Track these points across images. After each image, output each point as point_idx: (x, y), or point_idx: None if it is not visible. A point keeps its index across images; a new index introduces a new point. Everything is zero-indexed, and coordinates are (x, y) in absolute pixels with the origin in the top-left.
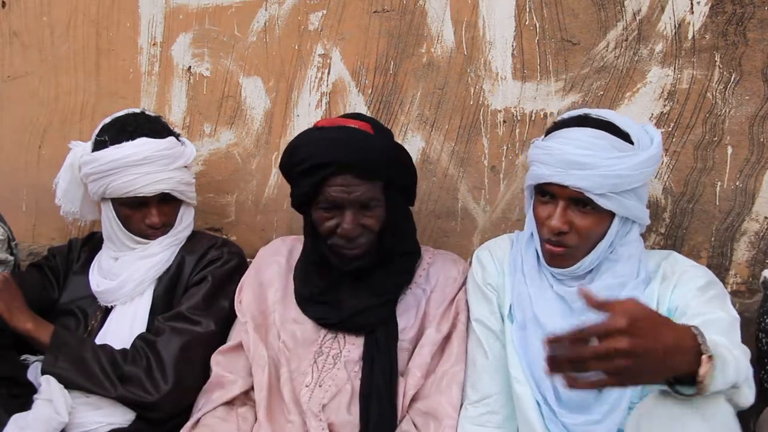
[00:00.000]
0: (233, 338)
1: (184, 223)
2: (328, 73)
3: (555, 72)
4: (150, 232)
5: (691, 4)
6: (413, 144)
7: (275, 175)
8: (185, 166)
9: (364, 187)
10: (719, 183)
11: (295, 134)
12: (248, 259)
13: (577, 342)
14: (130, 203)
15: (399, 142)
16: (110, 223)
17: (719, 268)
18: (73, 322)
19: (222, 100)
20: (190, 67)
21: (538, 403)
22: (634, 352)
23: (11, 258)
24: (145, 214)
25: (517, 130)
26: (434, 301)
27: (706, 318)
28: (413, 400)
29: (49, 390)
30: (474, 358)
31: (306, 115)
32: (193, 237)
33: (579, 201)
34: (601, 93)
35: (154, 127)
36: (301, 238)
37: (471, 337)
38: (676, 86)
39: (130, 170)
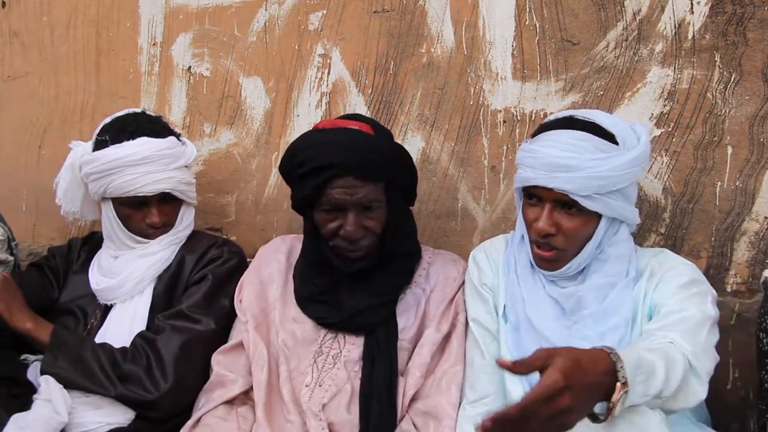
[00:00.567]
0: (234, 337)
1: (185, 222)
2: (328, 73)
3: (555, 72)
4: (150, 232)
5: (691, 4)
6: (413, 144)
7: (275, 175)
8: (186, 166)
9: (367, 189)
10: (719, 183)
11: (295, 134)
12: (248, 259)
13: (523, 419)
14: (131, 203)
15: (399, 142)
16: (110, 223)
17: (719, 268)
18: (72, 320)
19: (222, 100)
20: (190, 67)
21: None
22: (575, 405)
23: (11, 258)
24: (145, 213)
25: (517, 130)
26: (434, 301)
27: (679, 316)
28: (413, 399)
29: (49, 390)
30: (472, 358)
31: (306, 115)
32: (194, 236)
33: (565, 203)
34: (601, 93)
35: (155, 126)
36: (301, 237)
37: (469, 338)
38: (676, 86)
39: (131, 170)
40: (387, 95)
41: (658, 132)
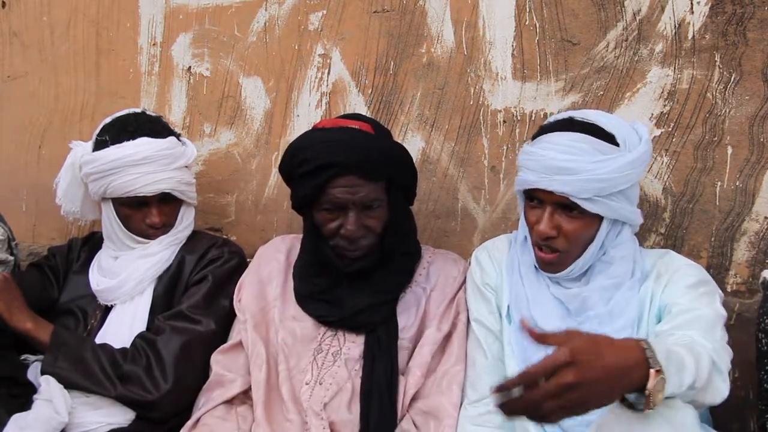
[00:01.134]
0: (233, 337)
1: (185, 222)
2: (328, 73)
3: (555, 72)
4: (150, 232)
5: (691, 4)
6: (413, 144)
7: (275, 175)
8: (186, 166)
9: (368, 188)
10: (719, 183)
11: (295, 134)
12: (248, 259)
13: (527, 385)
14: (131, 203)
15: (399, 142)
16: (110, 223)
17: (719, 268)
18: (72, 321)
19: (222, 100)
20: (190, 67)
21: None
22: (582, 382)
23: (11, 258)
24: (145, 213)
25: (517, 130)
26: (434, 300)
27: (692, 315)
28: (413, 399)
29: (49, 390)
30: (474, 358)
31: (306, 115)
32: (194, 237)
33: (566, 206)
34: (601, 93)
35: (155, 127)
36: (301, 236)
37: (470, 337)
38: (676, 86)
39: (131, 170)
40: (387, 95)
41: (658, 132)
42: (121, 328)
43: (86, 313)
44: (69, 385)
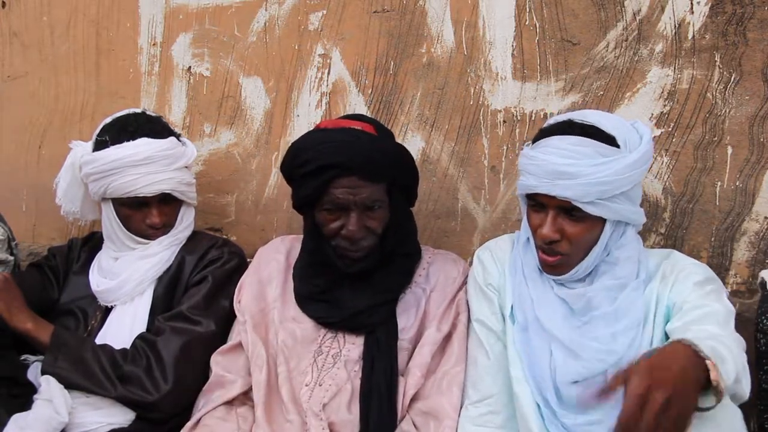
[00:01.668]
0: (233, 338)
1: (185, 223)
2: (328, 73)
3: (555, 72)
4: (150, 233)
5: (691, 4)
6: (413, 144)
7: (275, 175)
8: (186, 167)
9: (370, 189)
10: (719, 183)
11: (295, 134)
12: (248, 259)
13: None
14: (131, 203)
15: (399, 142)
16: (110, 223)
17: (719, 268)
18: (73, 322)
19: (222, 100)
20: (190, 67)
21: (537, 405)
22: (671, 396)
23: (11, 258)
24: (145, 214)
25: (517, 130)
26: (434, 301)
27: (704, 311)
28: (413, 400)
29: (49, 390)
30: (475, 358)
31: (306, 115)
32: (194, 237)
33: (568, 209)
34: (601, 93)
35: (155, 127)
36: (301, 237)
37: (472, 338)
38: (676, 86)
39: (131, 170)
40: (387, 95)
41: (658, 132)
42: (122, 329)
43: (86, 314)
44: (69, 385)
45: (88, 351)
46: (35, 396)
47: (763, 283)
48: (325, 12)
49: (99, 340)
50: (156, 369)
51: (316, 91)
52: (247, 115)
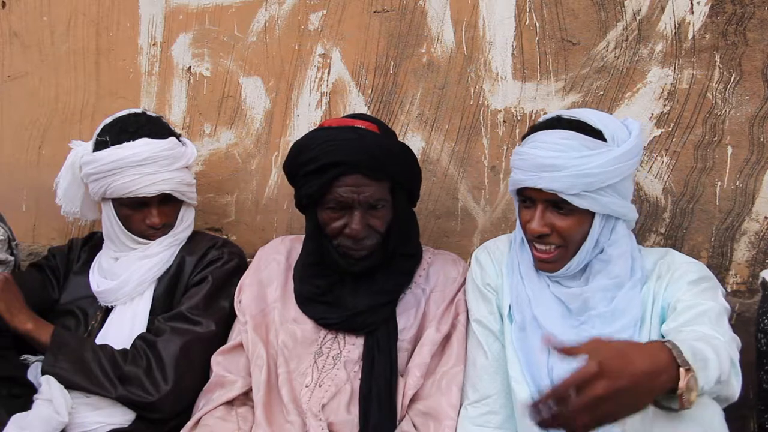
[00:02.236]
0: (233, 338)
1: (185, 223)
2: (328, 73)
3: (555, 72)
4: (150, 233)
5: (691, 4)
6: (413, 144)
7: (275, 175)
8: (186, 167)
9: (373, 187)
10: (719, 183)
11: (296, 134)
12: (248, 260)
13: (559, 399)
14: (131, 203)
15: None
16: (111, 223)
17: (719, 268)
18: (73, 322)
19: (222, 100)
20: (190, 67)
21: None
22: (612, 393)
23: (11, 258)
24: (145, 214)
25: (517, 130)
26: (434, 301)
27: (697, 310)
28: (413, 400)
29: (49, 390)
30: (474, 358)
31: (306, 115)
32: (194, 237)
33: (556, 203)
34: (601, 93)
35: (156, 127)
36: (301, 237)
37: (471, 338)
38: (676, 86)
39: (131, 170)
40: (387, 95)
41: (658, 132)
42: (122, 330)
43: (86, 314)
44: (69, 385)
45: (89, 351)
46: (35, 396)
47: (763, 283)
48: (325, 12)
49: (99, 340)
50: (156, 369)
51: (316, 91)
52: (247, 115)
